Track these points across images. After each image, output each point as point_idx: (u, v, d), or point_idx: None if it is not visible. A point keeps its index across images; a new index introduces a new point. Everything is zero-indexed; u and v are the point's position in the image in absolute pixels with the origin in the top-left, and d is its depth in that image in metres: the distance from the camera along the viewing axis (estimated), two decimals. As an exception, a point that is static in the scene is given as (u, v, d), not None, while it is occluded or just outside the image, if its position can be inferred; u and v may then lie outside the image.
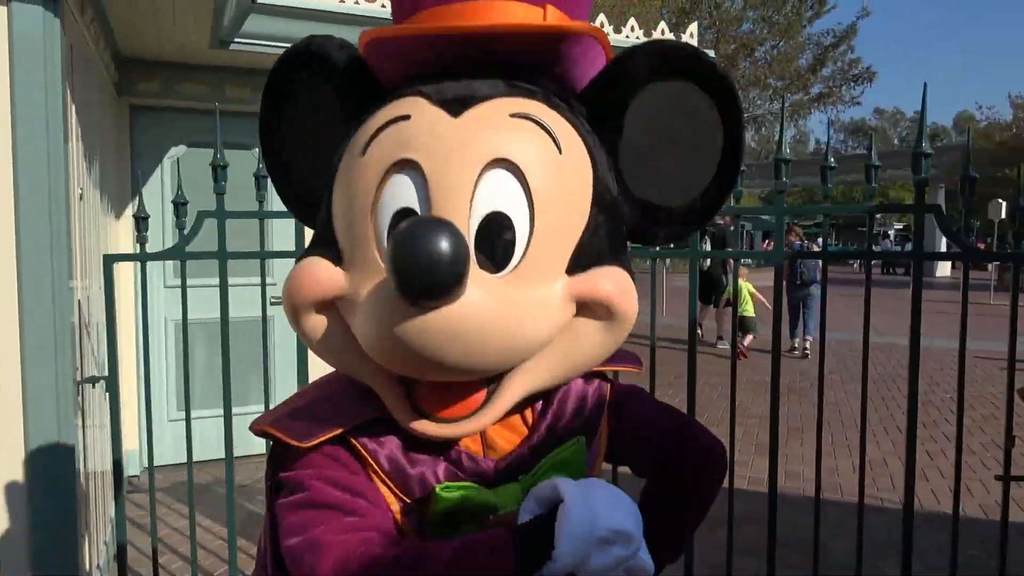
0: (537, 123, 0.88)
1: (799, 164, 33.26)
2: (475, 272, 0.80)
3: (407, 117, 0.88)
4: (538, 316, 0.85)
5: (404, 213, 0.85)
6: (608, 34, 3.97)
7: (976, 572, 3.29)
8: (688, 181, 0.99)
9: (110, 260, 2.42)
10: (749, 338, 9.17)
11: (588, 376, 1.04)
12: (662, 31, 5.24)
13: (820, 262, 5.30)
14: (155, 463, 2.65)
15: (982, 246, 21.00)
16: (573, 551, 0.82)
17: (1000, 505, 2.13)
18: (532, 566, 0.83)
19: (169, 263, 4.36)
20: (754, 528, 2.77)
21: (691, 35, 5.30)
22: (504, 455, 0.96)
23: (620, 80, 0.96)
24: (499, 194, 0.85)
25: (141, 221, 2.46)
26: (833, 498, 4.13)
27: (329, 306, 0.91)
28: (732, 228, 8.19)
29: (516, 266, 0.86)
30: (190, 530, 2.65)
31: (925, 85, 2.22)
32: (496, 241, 0.86)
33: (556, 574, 0.83)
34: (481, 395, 0.89)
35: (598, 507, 0.84)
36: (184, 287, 2.52)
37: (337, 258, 0.91)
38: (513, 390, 0.89)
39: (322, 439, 0.90)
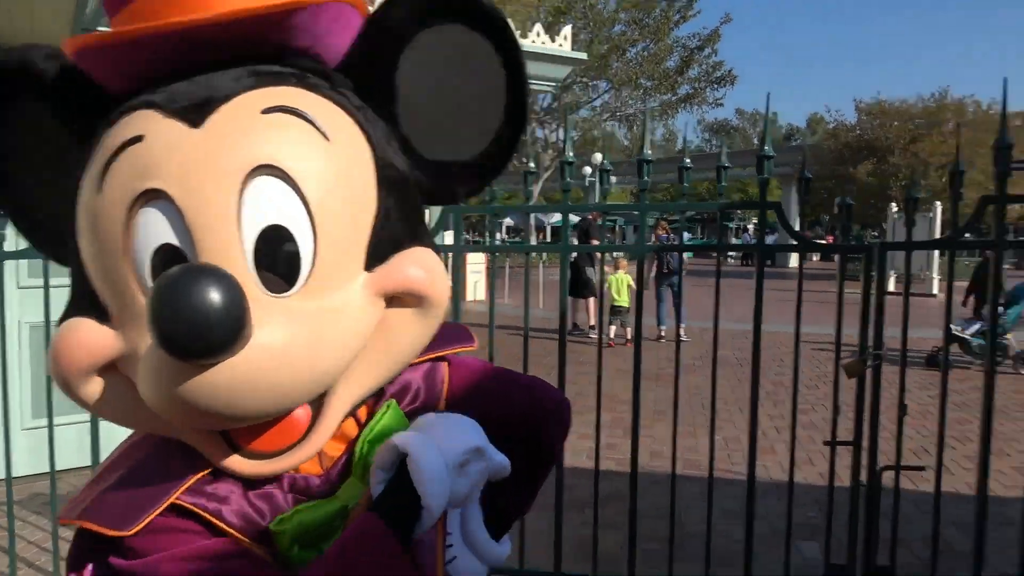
0: (295, 113, 0.77)
1: (668, 162, 34.74)
2: (260, 301, 0.71)
3: (140, 138, 0.74)
4: (342, 327, 0.76)
5: (165, 250, 0.73)
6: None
7: (812, 530, 3.64)
8: (478, 130, 0.90)
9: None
10: (614, 328, 9.64)
11: (420, 361, 0.96)
12: (537, 32, 5.41)
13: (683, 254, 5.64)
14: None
15: (831, 239, 22.78)
16: (439, 492, 0.79)
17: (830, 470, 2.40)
18: (408, 528, 0.80)
19: (24, 263, 4.09)
20: (620, 504, 2.95)
21: (565, 37, 5.49)
22: (336, 460, 0.88)
23: (382, 38, 0.85)
24: (269, 206, 0.74)
25: (-10, 217, 2.33)
26: (694, 474, 4.44)
27: (108, 368, 0.78)
28: (600, 223, 8.59)
29: (306, 280, 0.75)
30: (52, 544, 2.54)
31: (768, 95, 2.45)
32: (278, 258, 0.74)
33: (434, 520, 0.81)
34: (306, 417, 0.79)
35: (441, 440, 0.82)
36: (47, 287, 2.41)
37: (103, 314, 0.78)
38: (336, 408, 0.80)
39: (151, 517, 0.76)
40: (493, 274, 2.88)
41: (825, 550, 2.46)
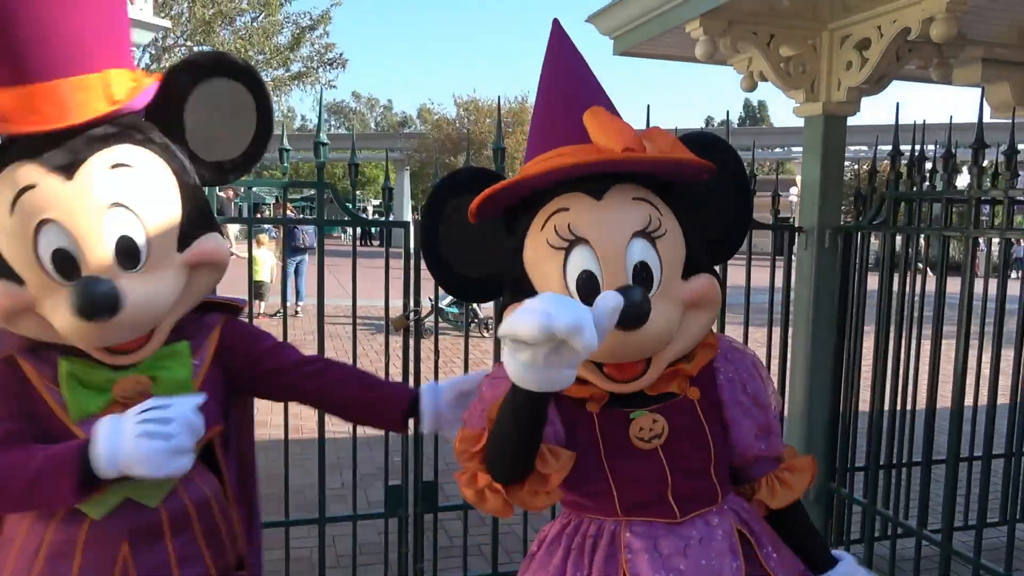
0: (127, 166, 1.27)
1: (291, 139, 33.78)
2: (122, 276, 1.24)
3: (33, 187, 1.21)
4: (164, 288, 1.30)
5: (59, 251, 1.22)
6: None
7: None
8: (240, 138, 1.46)
9: None
10: (263, 303, 9.49)
11: (202, 312, 1.47)
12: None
13: (314, 231, 5.80)
14: None
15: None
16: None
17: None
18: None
19: None
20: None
21: (146, 1, 5.22)
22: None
23: (171, 94, 1.38)
24: (120, 225, 1.25)
25: None
26: (298, 437, 4.72)
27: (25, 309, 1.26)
28: (237, 201, 8.43)
29: (145, 262, 1.28)
30: None
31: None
32: (128, 251, 1.26)
33: None
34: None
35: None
36: None
37: (19, 281, 1.25)
38: (164, 330, 1.36)
39: None
40: None
41: (384, 475, 2.91)
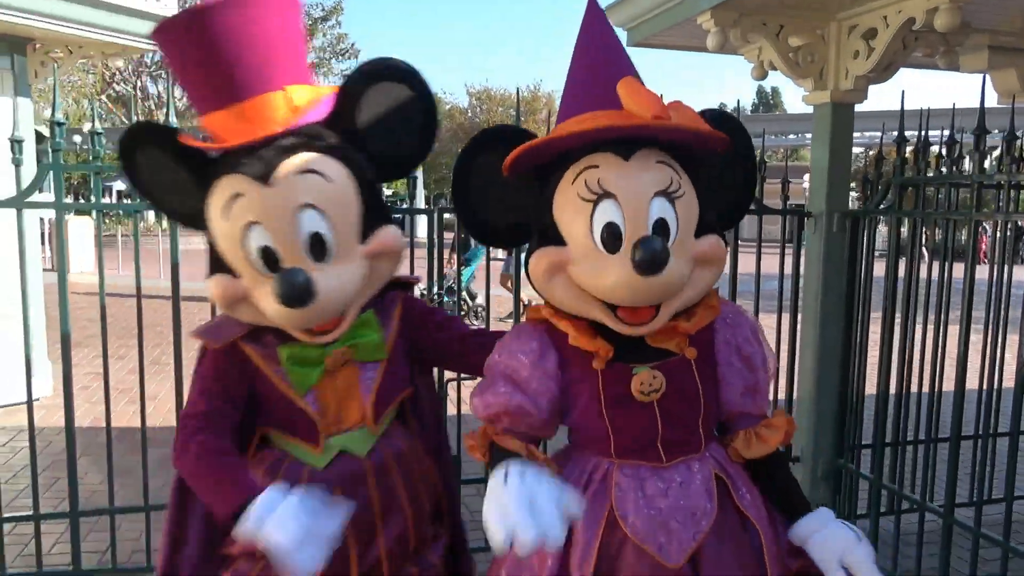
0: (314, 172, 1.43)
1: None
2: (314, 268, 1.43)
3: (241, 195, 1.42)
4: (351, 277, 1.49)
5: (264, 248, 1.43)
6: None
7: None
8: (409, 137, 1.60)
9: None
10: None
11: (386, 291, 1.65)
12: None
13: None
14: None
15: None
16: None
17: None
18: None
19: None
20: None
21: (170, -4, 5.36)
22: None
23: (347, 99, 1.54)
24: (310, 223, 1.44)
25: None
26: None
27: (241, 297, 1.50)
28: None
29: (334, 255, 1.46)
30: None
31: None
32: (318, 248, 1.45)
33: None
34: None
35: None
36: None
37: (232, 273, 1.48)
38: (353, 312, 1.55)
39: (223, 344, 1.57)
40: (99, 238, 2.92)
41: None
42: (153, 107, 24.25)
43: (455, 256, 9.20)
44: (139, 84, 22.92)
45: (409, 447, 1.69)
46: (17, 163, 2.65)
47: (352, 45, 25.42)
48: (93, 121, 2.83)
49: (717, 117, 1.50)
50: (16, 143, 2.63)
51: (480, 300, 9.55)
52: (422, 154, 1.66)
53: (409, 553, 1.64)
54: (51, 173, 2.72)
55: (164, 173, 1.53)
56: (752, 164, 1.60)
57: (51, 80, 5.15)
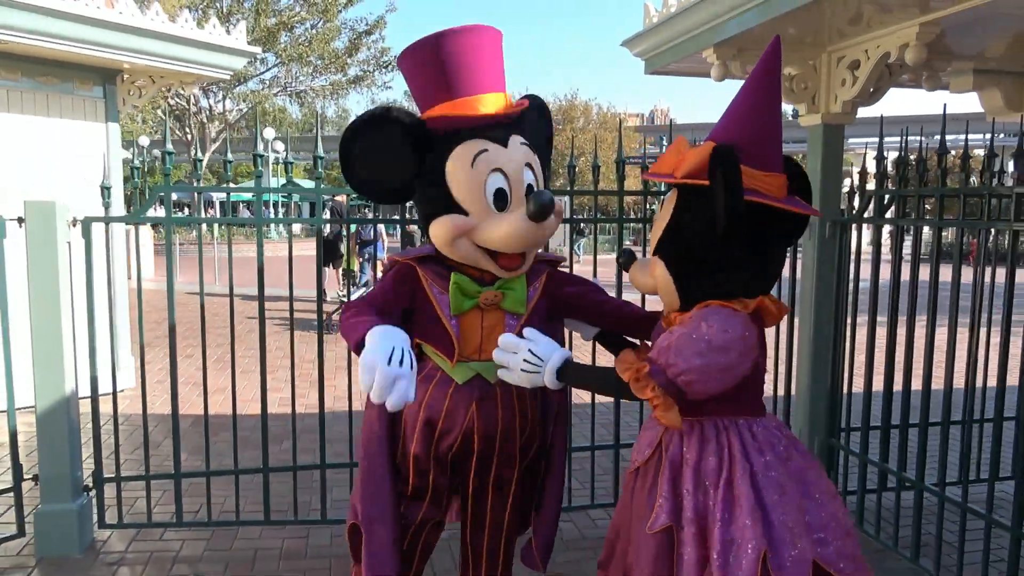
0: (529, 147, 2.10)
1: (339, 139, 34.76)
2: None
3: (486, 150, 1.97)
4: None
5: (499, 190, 1.97)
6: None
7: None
8: (544, 140, 2.27)
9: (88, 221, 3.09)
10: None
11: (541, 263, 2.22)
12: (213, 25, 5.84)
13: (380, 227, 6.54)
14: None
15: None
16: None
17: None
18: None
19: None
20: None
21: (241, 31, 5.99)
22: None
23: (525, 113, 2.14)
24: (528, 176, 2.04)
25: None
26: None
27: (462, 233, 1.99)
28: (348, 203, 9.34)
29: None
30: None
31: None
32: (529, 194, 1.98)
33: None
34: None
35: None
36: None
37: (463, 212, 1.97)
38: (531, 257, 2.12)
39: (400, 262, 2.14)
40: (169, 247, 3.47)
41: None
42: (205, 120, 25.35)
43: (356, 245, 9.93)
44: (192, 97, 23.97)
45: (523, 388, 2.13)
46: (135, 186, 3.25)
47: (396, 57, 26.16)
48: (165, 142, 3.26)
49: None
50: (134, 169, 3.23)
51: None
52: (547, 160, 2.28)
53: (510, 460, 2.23)
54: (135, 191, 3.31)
55: (387, 153, 2.01)
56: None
57: (135, 105, 5.82)
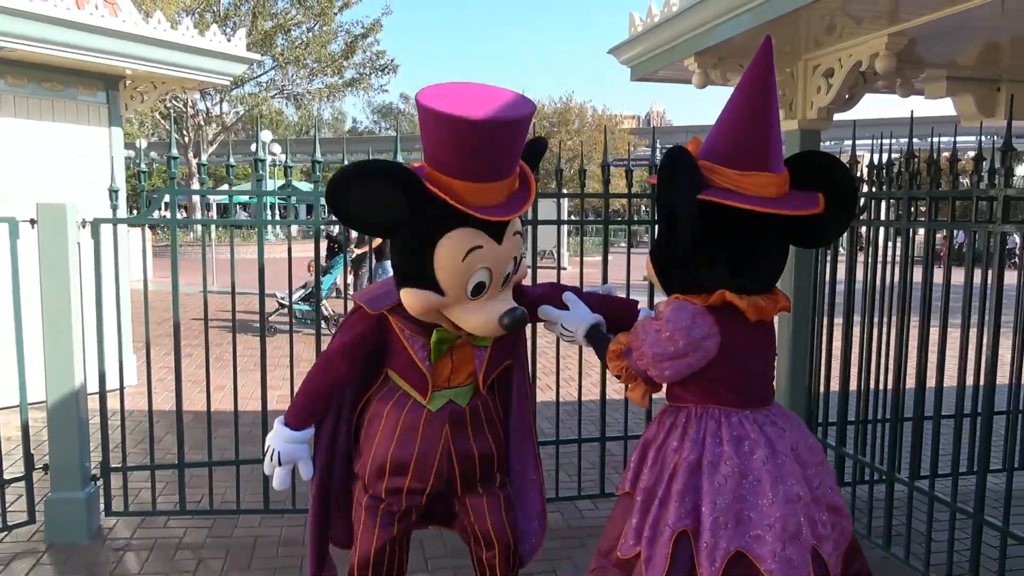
0: (519, 233, 2.09)
1: (335, 142, 34.84)
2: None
3: (481, 247, 1.91)
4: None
5: (479, 284, 1.96)
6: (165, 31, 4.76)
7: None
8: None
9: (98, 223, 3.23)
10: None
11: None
12: (213, 32, 5.99)
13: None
14: None
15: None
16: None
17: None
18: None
19: None
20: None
21: (240, 38, 6.14)
22: None
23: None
24: (508, 267, 2.05)
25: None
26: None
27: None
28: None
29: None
30: None
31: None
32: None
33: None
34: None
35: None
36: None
37: (439, 291, 1.95)
38: None
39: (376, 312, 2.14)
40: (174, 249, 3.57)
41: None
42: (202, 123, 25.49)
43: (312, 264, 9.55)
44: (189, 100, 24.11)
45: (491, 402, 2.32)
46: (142, 191, 3.40)
47: (392, 61, 26.37)
48: (171, 147, 3.39)
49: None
50: (141, 173, 3.38)
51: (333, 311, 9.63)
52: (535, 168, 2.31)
53: (481, 478, 2.32)
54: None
55: (382, 200, 1.88)
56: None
57: (137, 110, 5.96)
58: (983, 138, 3.50)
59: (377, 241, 9.58)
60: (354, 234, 10.37)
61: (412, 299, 1.99)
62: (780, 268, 2.02)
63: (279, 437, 2.19)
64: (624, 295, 2.64)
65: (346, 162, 3.60)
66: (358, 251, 9.93)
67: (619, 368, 2.00)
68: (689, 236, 1.88)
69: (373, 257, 9.81)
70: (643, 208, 4.07)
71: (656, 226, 2.09)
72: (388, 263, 11.32)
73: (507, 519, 2.35)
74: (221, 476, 3.83)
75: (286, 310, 9.15)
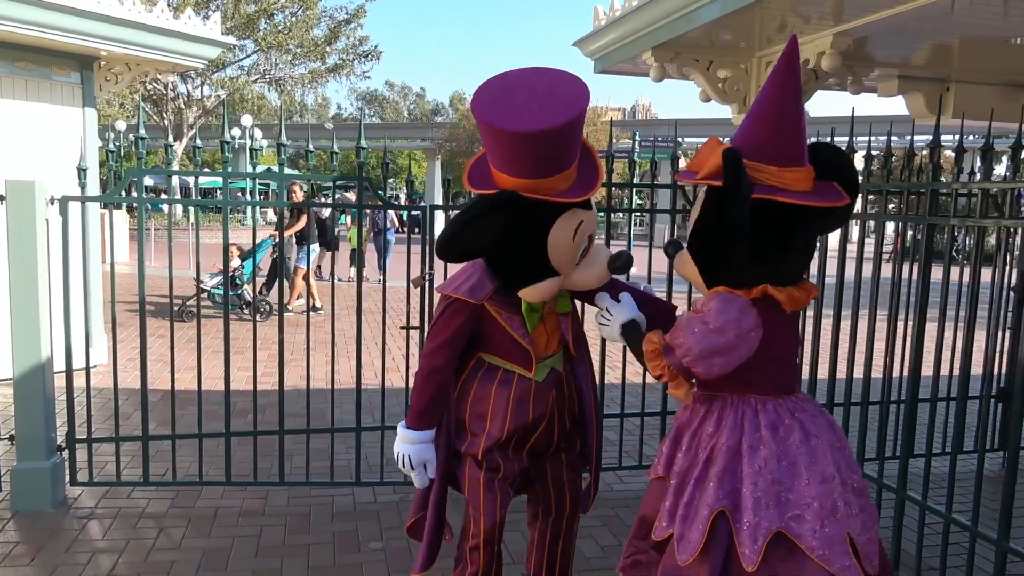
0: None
1: (316, 128, 34.61)
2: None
3: (583, 222, 2.12)
4: None
5: (585, 248, 2.19)
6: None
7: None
8: None
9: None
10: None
11: None
12: (188, 16, 6.04)
13: (391, 214, 6.65)
14: None
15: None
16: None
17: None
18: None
19: None
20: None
21: (216, 22, 6.19)
22: None
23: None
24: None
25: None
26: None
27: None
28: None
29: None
30: None
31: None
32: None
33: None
34: None
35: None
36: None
37: (555, 273, 2.15)
38: None
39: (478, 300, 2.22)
40: (141, 228, 3.64)
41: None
42: (183, 105, 25.30)
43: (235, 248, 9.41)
44: (170, 83, 23.93)
45: (572, 371, 2.46)
46: (111, 169, 3.48)
47: (375, 47, 26.28)
48: (139, 127, 3.48)
49: None
50: (109, 153, 3.46)
51: (273, 297, 9.66)
52: None
53: (570, 441, 2.48)
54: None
55: (494, 231, 2.10)
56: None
57: (111, 91, 6.00)
58: (917, 137, 3.66)
59: (299, 225, 9.34)
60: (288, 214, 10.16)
61: (537, 292, 2.18)
62: (811, 259, 2.15)
63: (404, 440, 2.29)
64: (661, 294, 2.74)
65: (335, 149, 3.75)
66: (288, 232, 9.70)
67: (660, 368, 2.01)
68: (748, 233, 1.90)
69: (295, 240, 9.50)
70: (623, 200, 4.18)
71: (695, 224, 2.08)
72: (313, 246, 11.05)
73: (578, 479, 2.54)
74: (185, 452, 3.93)
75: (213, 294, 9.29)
